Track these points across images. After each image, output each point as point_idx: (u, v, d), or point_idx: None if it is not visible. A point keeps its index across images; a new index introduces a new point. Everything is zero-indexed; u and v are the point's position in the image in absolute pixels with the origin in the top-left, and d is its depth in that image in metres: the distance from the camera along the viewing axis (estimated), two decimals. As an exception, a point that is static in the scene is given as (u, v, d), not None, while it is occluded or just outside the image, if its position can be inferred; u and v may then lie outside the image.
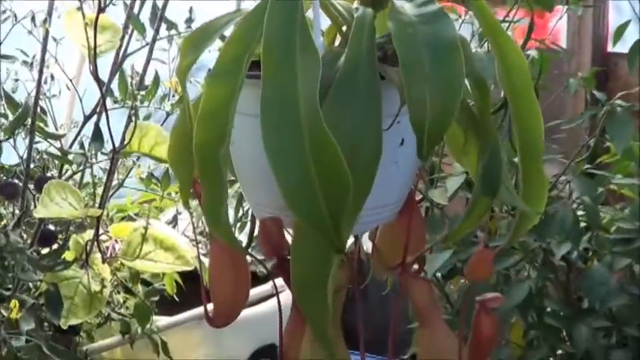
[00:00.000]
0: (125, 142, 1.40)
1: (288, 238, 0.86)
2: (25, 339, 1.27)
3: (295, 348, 0.92)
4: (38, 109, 1.39)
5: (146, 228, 1.52)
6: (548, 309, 1.21)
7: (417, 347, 0.99)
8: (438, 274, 1.33)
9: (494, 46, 0.91)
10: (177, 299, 1.98)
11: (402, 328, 1.77)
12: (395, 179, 0.89)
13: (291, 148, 0.73)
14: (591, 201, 1.28)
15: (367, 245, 1.10)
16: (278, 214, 0.86)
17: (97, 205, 1.47)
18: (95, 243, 1.57)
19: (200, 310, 2.10)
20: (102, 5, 1.28)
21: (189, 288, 1.94)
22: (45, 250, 1.54)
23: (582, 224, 1.27)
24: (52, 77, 1.47)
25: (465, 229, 0.93)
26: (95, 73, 1.33)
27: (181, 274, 1.97)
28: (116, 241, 1.64)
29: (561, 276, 1.31)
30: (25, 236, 1.47)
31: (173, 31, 1.51)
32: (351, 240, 0.96)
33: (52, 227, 1.56)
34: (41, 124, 1.41)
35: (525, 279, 1.18)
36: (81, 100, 1.49)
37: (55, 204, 1.32)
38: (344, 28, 0.88)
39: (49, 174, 1.46)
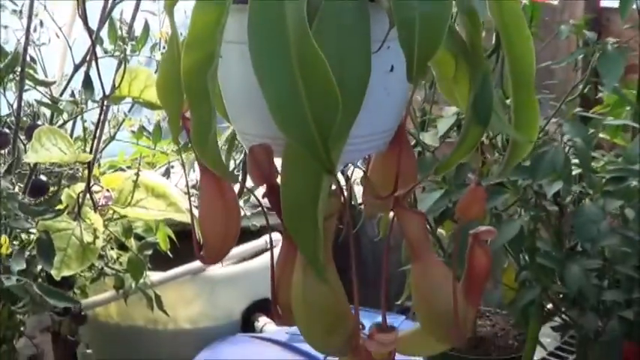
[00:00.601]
0: (115, 86, 1.39)
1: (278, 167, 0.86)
2: (16, 279, 1.27)
3: (286, 282, 0.92)
4: (28, 58, 1.38)
5: (137, 175, 1.52)
6: (541, 250, 1.21)
7: (411, 282, 0.98)
8: (430, 219, 1.33)
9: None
10: (171, 256, 1.98)
11: (397, 280, 1.79)
12: (385, 107, 0.88)
13: (279, 67, 0.73)
14: (583, 144, 1.28)
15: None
16: (266, 142, 0.86)
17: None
18: (87, 194, 1.56)
19: (194, 264, 2.12)
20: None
21: (183, 245, 1.94)
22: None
23: (574, 170, 1.27)
24: (42, 24, 1.46)
25: (456, 160, 0.92)
26: (84, 18, 1.32)
27: (174, 231, 1.97)
28: (108, 190, 1.64)
29: (553, 220, 1.32)
30: (16, 186, 1.46)
31: (162, -22, 1.50)
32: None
33: (43, 178, 1.56)
34: (31, 72, 1.40)
35: (517, 218, 1.18)
36: (71, 49, 1.48)
37: (46, 149, 1.31)
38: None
39: (39, 123, 1.45)
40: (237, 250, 2.20)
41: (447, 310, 0.94)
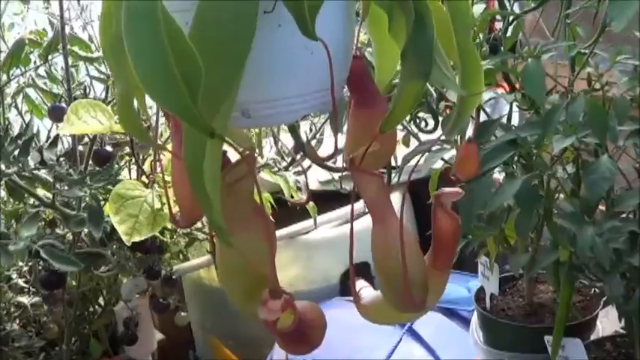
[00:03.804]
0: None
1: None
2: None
3: None
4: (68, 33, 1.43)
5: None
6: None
7: (371, 245, 0.95)
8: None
9: None
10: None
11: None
12: (310, 66, 0.85)
13: (149, 41, 0.72)
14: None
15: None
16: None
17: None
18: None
19: (291, 228, 2.14)
20: None
21: (281, 208, 1.97)
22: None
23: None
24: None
25: (397, 119, 0.87)
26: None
27: (272, 194, 1.99)
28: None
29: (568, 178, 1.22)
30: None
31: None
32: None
33: (109, 148, 1.62)
34: (75, 48, 1.46)
35: (520, 174, 1.10)
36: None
37: (83, 122, 1.37)
38: None
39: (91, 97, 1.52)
40: (334, 214, 2.20)
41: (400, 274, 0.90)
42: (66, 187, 1.42)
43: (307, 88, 0.86)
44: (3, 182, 1.43)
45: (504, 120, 1.35)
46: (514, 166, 1.16)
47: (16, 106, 1.68)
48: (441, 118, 1.31)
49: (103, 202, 1.53)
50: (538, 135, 1.10)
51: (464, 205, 1.09)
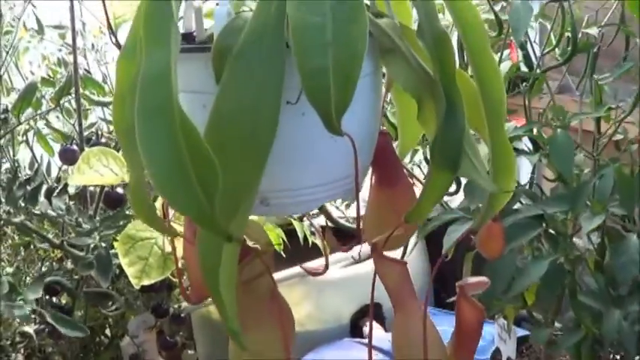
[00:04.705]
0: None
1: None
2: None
3: None
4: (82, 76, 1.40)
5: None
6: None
7: (392, 332, 0.91)
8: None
9: (448, 6, 0.81)
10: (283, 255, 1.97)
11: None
12: (334, 155, 0.81)
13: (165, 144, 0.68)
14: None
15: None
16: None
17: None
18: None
19: (302, 266, 2.09)
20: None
21: (293, 245, 1.93)
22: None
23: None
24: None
25: (425, 210, 0.83)
26: (117, 43, 1.32)
27: (286, 231, 1.95)
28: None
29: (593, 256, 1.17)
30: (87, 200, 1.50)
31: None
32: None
33: (120, 190, 1.58)
34: (86, 92, 1.43)
35: (547, 255, 1.05)
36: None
37: (95, 171, 1.33)
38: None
39: (103, 140, 1.48)
40: (346, 254, 2.16)
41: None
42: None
43: (330, 176, 0.82)
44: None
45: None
46: (540, 243, 1.12)
47: (26, 141, 1.65)
48: (464, 181, 1.26)
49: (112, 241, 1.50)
50: (566, 211, 1.06)
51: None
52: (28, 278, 1.76)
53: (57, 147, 1.63)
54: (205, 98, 0.77)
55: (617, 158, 1.21)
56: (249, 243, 0.82)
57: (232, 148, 0.70)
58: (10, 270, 1.73)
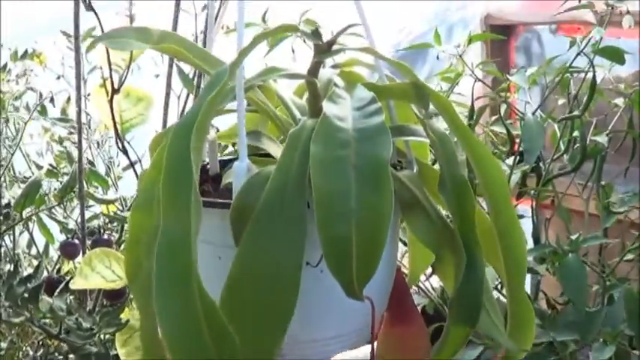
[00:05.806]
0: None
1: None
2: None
3: None
4: (87, 169, 1.39)
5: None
6: None
7: None
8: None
9: (471, 158, 0.80)
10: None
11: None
12: (351, 308, 0.79)
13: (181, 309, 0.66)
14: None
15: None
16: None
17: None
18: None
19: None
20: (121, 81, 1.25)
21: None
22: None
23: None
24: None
25: (441, 363, 0.81)
26: (123, 149, 1.31)
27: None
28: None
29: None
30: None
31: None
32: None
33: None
34: (90, 191, 1.41)
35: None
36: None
37: (97, 273, 1.31)
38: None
39: (105, 236, 1.46)
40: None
41: None
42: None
43: (345, 328, 0.81)
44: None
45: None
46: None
47: (27, 228, 1.63)
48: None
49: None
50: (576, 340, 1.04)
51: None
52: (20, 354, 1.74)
53: (57, 231, 1.61)
54: (221, 251, 0.76)
55: (626, 278, 1.20)
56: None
57: (252, 316, 0.69)
58: (4, 345, 1.70)
